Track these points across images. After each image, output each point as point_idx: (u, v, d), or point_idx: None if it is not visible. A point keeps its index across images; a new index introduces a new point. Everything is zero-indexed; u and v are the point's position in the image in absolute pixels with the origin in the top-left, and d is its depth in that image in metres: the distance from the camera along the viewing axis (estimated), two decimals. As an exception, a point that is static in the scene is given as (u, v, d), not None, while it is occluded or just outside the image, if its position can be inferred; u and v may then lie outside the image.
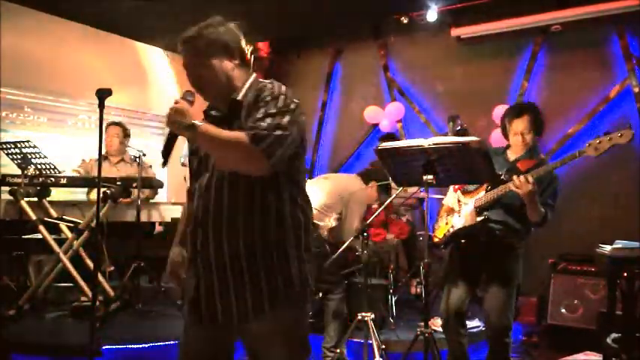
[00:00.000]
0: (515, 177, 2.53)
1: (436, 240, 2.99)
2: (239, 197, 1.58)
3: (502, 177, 2.68)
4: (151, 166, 4.73)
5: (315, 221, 3.41)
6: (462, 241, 2.84)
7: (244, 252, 1.58)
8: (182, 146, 2.56)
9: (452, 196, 2.98)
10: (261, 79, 1.72)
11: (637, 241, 2.83)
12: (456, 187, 2.98)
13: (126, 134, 4.68)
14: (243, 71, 1.72)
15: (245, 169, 1.55)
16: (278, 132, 1.52)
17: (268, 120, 1.53)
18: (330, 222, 3.48)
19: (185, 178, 2.85)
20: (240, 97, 1.65)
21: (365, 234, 3.28)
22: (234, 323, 1.60)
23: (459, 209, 2.89)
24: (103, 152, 4.66)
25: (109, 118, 5.06)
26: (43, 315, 3.81)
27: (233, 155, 1.53)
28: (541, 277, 4.41)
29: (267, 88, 1.62)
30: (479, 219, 2.74)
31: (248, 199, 1.58)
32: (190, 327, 1.68)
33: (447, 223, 2.95)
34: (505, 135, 2.88)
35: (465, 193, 2.92)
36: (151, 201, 4.57)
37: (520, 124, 2.77)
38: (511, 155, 2.85)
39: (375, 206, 4.06)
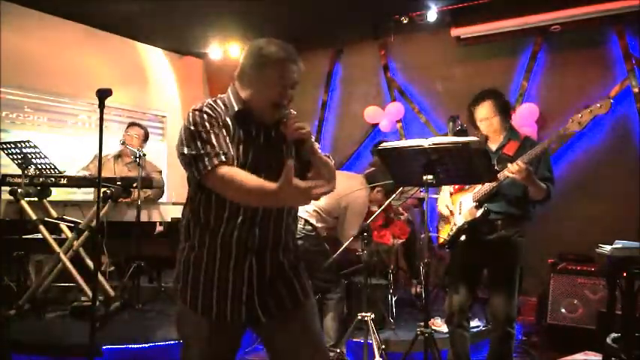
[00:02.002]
0: (509, 165, 2.57)
1: (441, 241, 3.01)
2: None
3: (495, 168, 2.69)
4: (160, 172, 4.73)
5: (312, 221, 3.41)
6: (462, 237, 2.85)
7: (293, 250, 1.81)
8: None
9: (446, 201, 2.99)
10: None
11: (637, 241, 2.83)
12: (456, 187, 2.98)
13: (146, 137, 4.69)
14: None
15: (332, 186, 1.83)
16: None
17: None
18: (322, 232, 3.48)
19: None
20: None
21: (365, 234, 3.28)
22: (283, 314, 1.74)
23: (459, 209, 2.90)
24: (118, 151, 4.69)
25: (109, 118, 5.06)
26: (43, 315, 3.81)
27: (329, 174, 1.82)
28: (541, 277, 4.41)
29: None
30: (479, 212, 2.76)
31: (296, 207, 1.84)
32: (218, 328, 1.70)
33: (449, 223, 2.96)
34: (475, 126, 2.93)
35: (461, 190, 2.92)
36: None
37: (483, 110, 2.84)
38: (492, 145, 2.88)
39: (374, 208, 4.05)
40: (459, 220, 2.87)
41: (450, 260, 2.89)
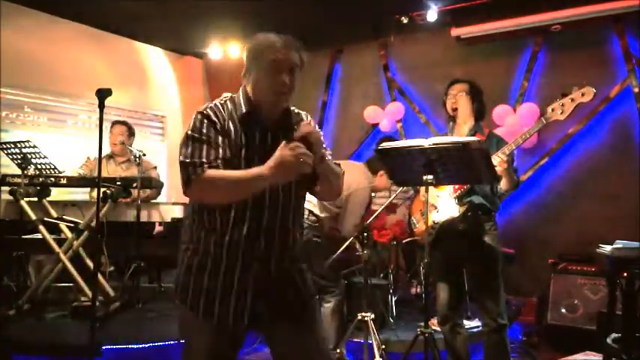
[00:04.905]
0: (493, 156, 2.54)
1: (416, 232, 3.02)
2: (298, 210, 1.80)
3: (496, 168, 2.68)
4: (155, 167, 4.73)
5: (316, 212, 3.40)
6: (440, 234, 2.83)
7: (298, 256, 1.80)
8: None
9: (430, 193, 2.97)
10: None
11: (637, 241, 2.82)
12: (456, 187, 2.97)
13: (131, 133, 4.68)
14: None
15: (335, 195, 1.89)
16: None
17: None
18: (326, 222, 3.47)
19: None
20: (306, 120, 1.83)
21: (365, 234, 3.28)
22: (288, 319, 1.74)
23: (437, 204, 2.87)
24: (109, 152, 4.70)
25: (109, 118, 5.06)
26: (43, 315, 3.81)
27: (337, 184, 1.83)
28: (541, 277, 4.41)
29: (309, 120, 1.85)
30: (462, 207, 2.75)
31: (301, 212, 1.84)
32: (220, 330, 1.70)
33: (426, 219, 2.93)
34: (446, 109, 2.93)
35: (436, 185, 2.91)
36: (152, 201, 4.56)
37: (455, 88, 2.87)
38: (458, 136, 2.86)
39: (374, 207, 4.05)
40: (439, 217, 2.85)
41: (431, 262, 2.83)
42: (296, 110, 1.84)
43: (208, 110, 1.68)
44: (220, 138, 1.65)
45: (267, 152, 1.65)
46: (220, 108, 1.70)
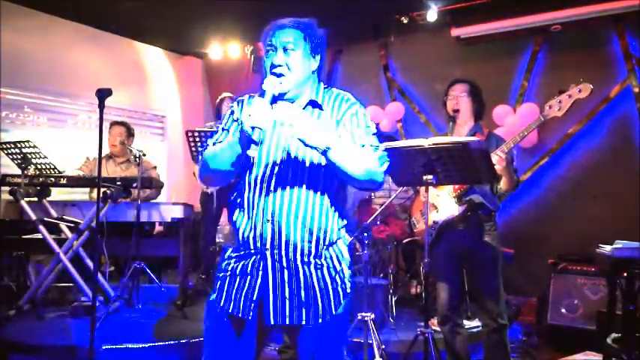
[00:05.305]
0: (492, 155, 2.55)
1: (416, 232, 3.02)
2: (316, 199, 1.67)
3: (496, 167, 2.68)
4: (155, 167, 4.73)
5: None
6: (440, 234, 2.83)
7: (315, 252, 1.67)
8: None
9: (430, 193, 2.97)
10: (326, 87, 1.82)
11: (637, 241, 2.83)
12: (456, 187, 2.97)
13: (130, 134, 4.68)
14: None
15: (374, 182, 1.65)
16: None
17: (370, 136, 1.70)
18: None
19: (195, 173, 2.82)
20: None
21: (366, 234, 3.28)
22: (302, 323, 1.66)
23: (437, 204, 2.88)
24: (108, 152, 4.70)
25: (109, 118, 5.06)
26: (43, 315, 3.81)
27: (363, 166, 1.60)
28: (541, 277, 4.41)
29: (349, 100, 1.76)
30: (462, 207, 2.75)
31: (320, 201, 1.68)
32: (235, 322, 1.70)
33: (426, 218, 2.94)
34: (447, 109, 2.93)
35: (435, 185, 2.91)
36: (152, 201, 4.56)
37: (456, 89, 2.88)
38: (458, 136, 2.86)
39: (374, 206, 4.06)
40: (439, 216, 2.85)
41: (431, 261, 2.82)
42: (336, 92, 1.78)
43: (236, 101, 1.82)
44: (234, 125, 1.76)
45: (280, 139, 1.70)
46: (247, 98, 1.80)
